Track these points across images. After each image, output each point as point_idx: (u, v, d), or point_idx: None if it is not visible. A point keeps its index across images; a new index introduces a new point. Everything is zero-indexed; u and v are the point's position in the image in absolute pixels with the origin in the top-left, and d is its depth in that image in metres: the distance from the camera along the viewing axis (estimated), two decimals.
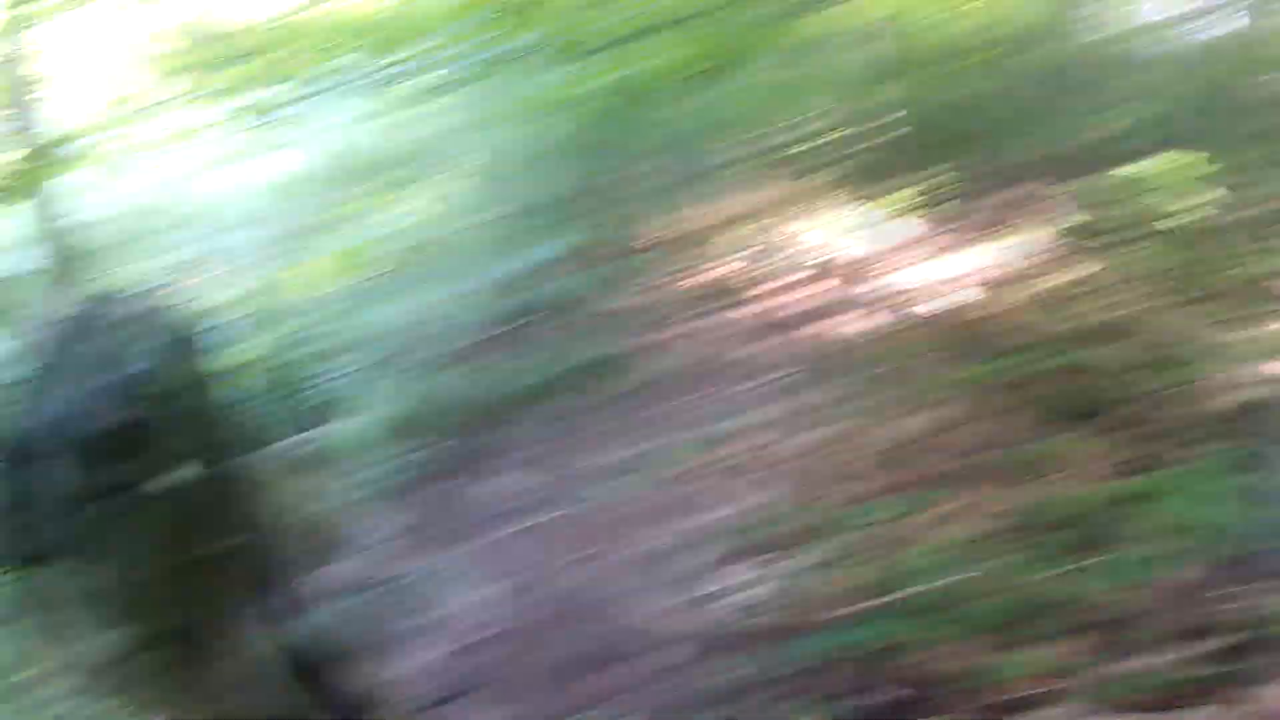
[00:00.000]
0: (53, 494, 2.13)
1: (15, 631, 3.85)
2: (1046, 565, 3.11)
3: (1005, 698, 2.72)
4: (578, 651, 3.64)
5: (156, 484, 2.17)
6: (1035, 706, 2.65)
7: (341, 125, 5.94)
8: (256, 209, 5.95)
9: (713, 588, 3.67)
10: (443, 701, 3.65)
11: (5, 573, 2.30)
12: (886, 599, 3.12)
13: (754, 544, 3.76)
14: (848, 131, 5.85)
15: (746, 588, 3.60)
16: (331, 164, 5.45)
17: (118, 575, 2.16)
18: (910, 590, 3.09)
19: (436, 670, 3.84)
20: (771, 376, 4.65)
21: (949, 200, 5.65)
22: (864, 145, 5.85)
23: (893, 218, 5.56)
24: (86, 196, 5.84)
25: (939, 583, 3.08)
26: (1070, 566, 3.07)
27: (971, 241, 5.55)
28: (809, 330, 4.99)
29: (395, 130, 5.40)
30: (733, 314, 5.11)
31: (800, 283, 5.28)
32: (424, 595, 4.35)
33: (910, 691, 2.87)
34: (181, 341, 2.42)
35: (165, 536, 2.18)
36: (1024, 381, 4.31)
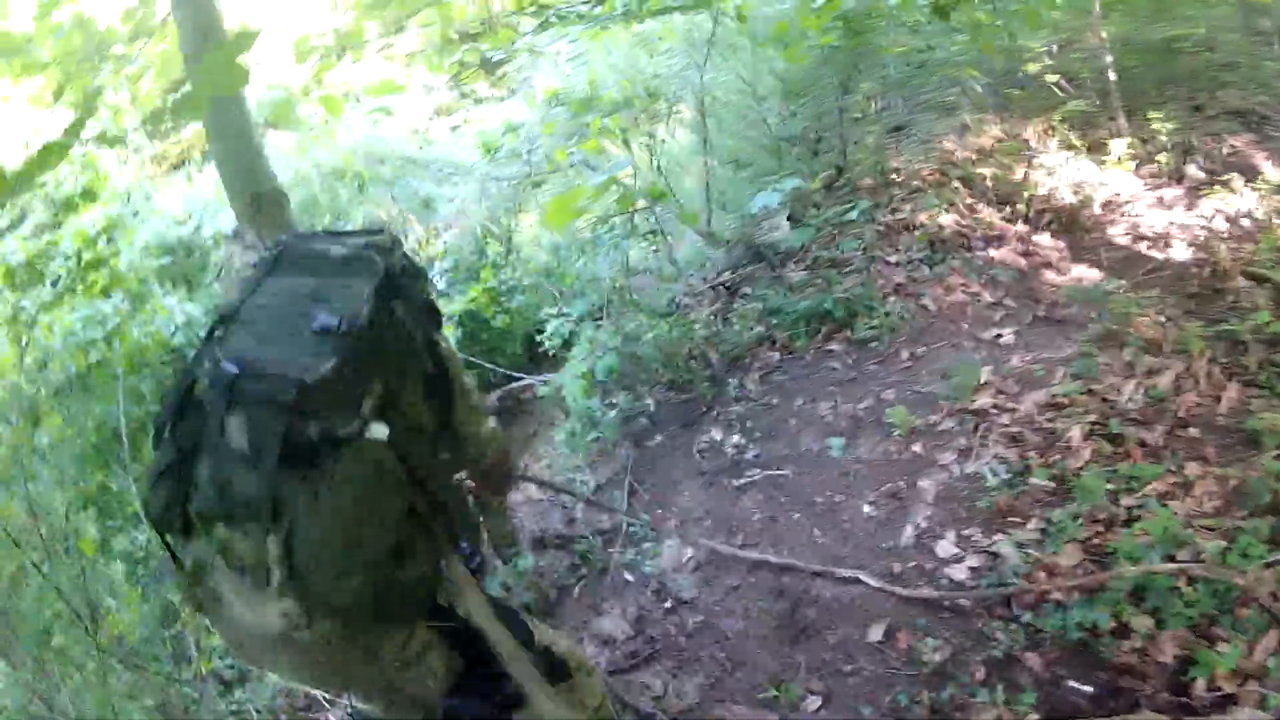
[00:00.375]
0: (246, 447, 2.01)
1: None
2: (1266, 551, 3.04)
3: (1213, 694, 2.66)
4: (781, 619, 3.73)
5: (363, 434, 2.10)
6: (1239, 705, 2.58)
7: (566, 65, 6.13)
8: (478, 155, 6.25)
9: (930, 555, 3.67)
10: (636, 665, 3.82)
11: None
12: (1107, 577, 3.02)
13: (978, 509, 3.72)
14: (1074, 73, 5.58)
15: (965, 557, 3.57)
16: (556, 106, 5.64)
17: (309, 535, 1.99)
18: (1131, 570, 2.98)
19: (632, 632, 4.02)
20: (1004, 328, 4.51)
21: (1174, 148, 5.30)
22: (1088, 88, 5.56)
23: (1116, 164, 5.26)
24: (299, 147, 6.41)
25: (1158, 563, 2.96)
26: None
27: (1195, 192, 5.19)
28: (1040, 279, 4.80)
29: (619, 69, 5.53)
30: (962, 261, 4.97)
31: (1029, 230, 5.07)
32: (628, 552, 4.53)
33: (1124, 679, 2.81)
34: (395, 286, 2.31)
35: (370, 490, 2.09)
36: (1252, 342, 4.15)
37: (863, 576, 3.69)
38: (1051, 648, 3.07)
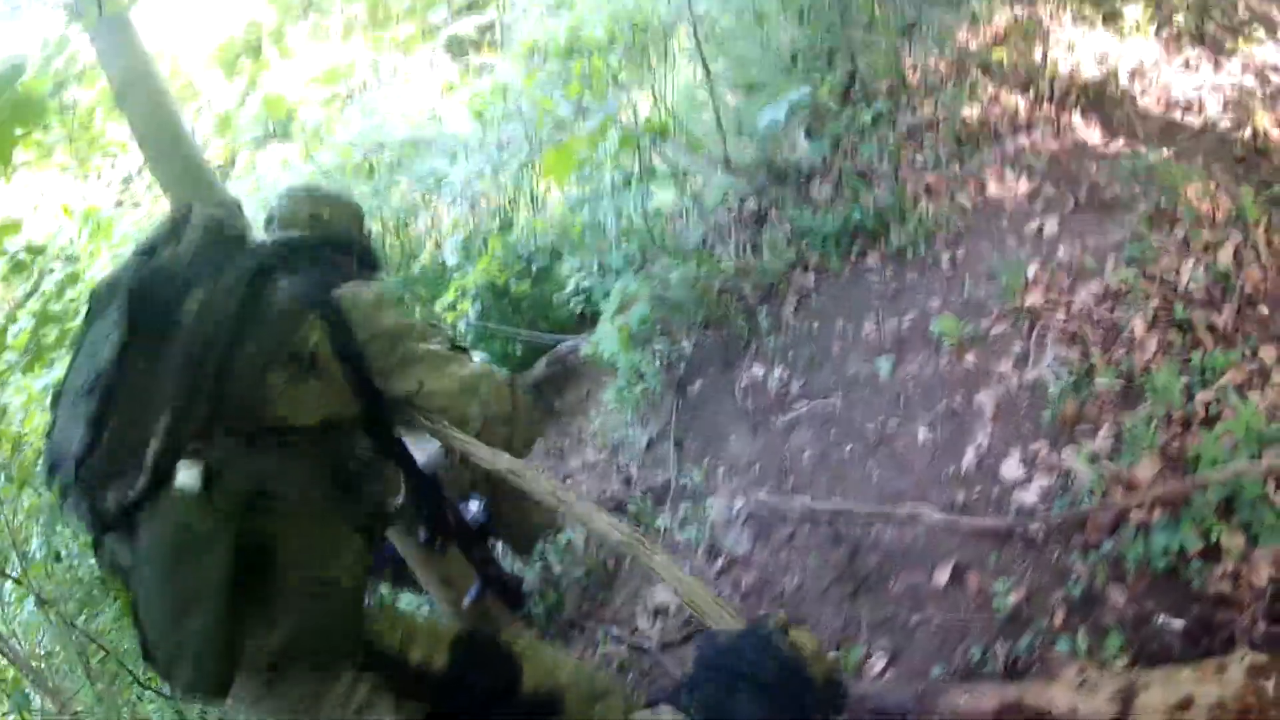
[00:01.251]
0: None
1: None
2: None
3: None
4: (840, 569, 3.32)
5: (158, 492, 1.91)
6: None
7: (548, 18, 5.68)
8: (481, 123, 5.84)
9: (995, 479, 3.20)
10: (689, 635, 3.49)
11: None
12: (1192, 490, 2.51)
13: (1042, 421, 3.23)
14: None
15: (1033, 477, 3.10)
16: (535, 57, 5.20)
17: (142, 601, 1.92)
18: (1217, 478, 2.47)
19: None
20: (1046, 218, 3.96)
21: (1190, 7, 4.67)
22: None
23: (1135, 31, 4.65)
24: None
25: (1245, 468, 2.44)
26: None
27: (1218, 50, 4.55)
28: (1076, 162, 4.21)
29: (605, 9, 5.04)
30: (992, 153, 4.40)
31: (1057, 111, 4.47)
32: (680, 510, 4.17)
33: (1218, 611, 2.31)
34: (180, 280, 2.06)
35: (181, 548, 1.87)
36: None
37: (924, 510, 3.23)
38: (1137, 579, 2.58)
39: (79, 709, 3.60)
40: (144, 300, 1.96)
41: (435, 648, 2.06)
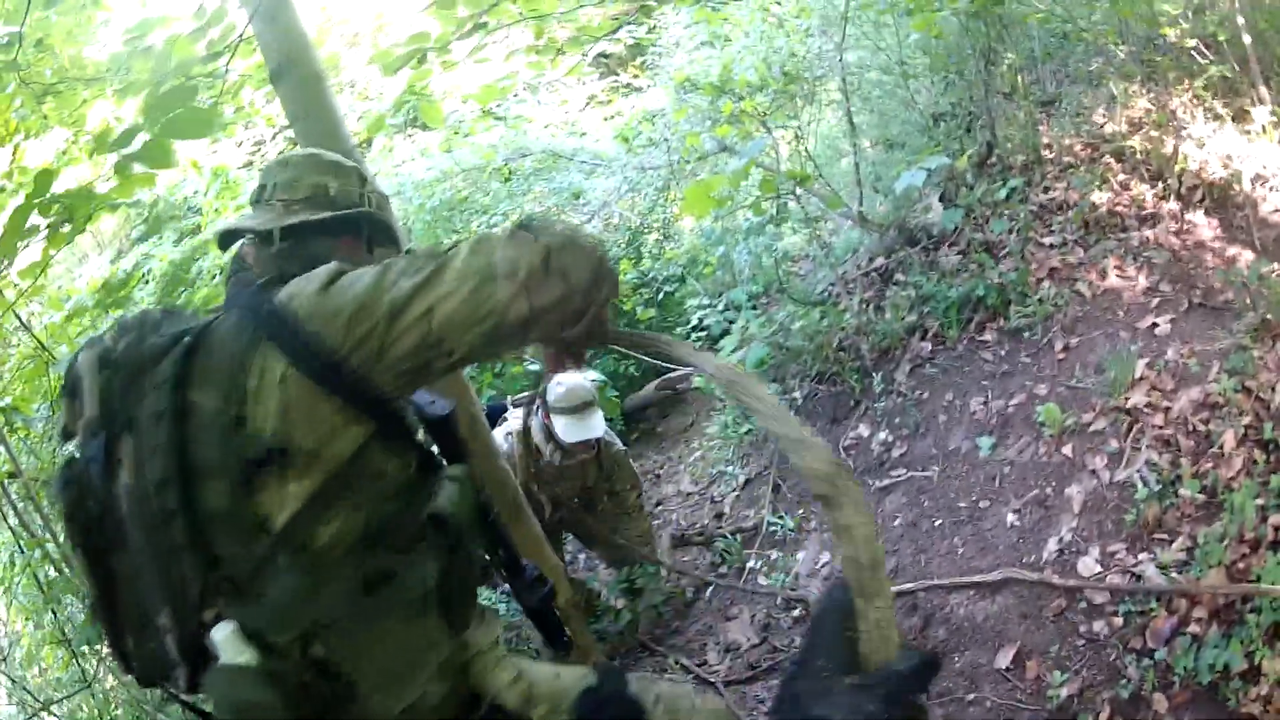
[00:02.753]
0: None
1: None
2: None
3: None
4: (911, 635, 3.63)
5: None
6: None
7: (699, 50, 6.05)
8: (621, 149, 6.25)
9: (1071, 572, 3.50)
10: (755, 675, 3.80)
11: None
12: (1244, 616, 2.82)
13: (1124, 523, 3.52)
14: (1210, 36, 5.13)
15: (1106, 577, 3.39)
16: (689, 91, 5.56)
17: None
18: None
19: (757, 640, 4.01)
20: (1160, 316, 4.22)
21: None
22: (1226, 53, 5.11)
23: (1262, 134, 4.82)
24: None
25: None
26: None
27: None
28: (1195, 262, 4.45)
29: (755, 51, 5.41)
30: (1117, 242, 4.66)
31: (1181, 207, 4.70)
32: (767, 554, 4.50)
33: None
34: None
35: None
36: None
37: (1011, 573, 3.56)
38: (1181, 690, 2.86)
39: None
40: (79, 501, 1.80)
41: (559, 707, 2.02)
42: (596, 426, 4.21)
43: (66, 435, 1.87)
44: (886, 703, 1.04)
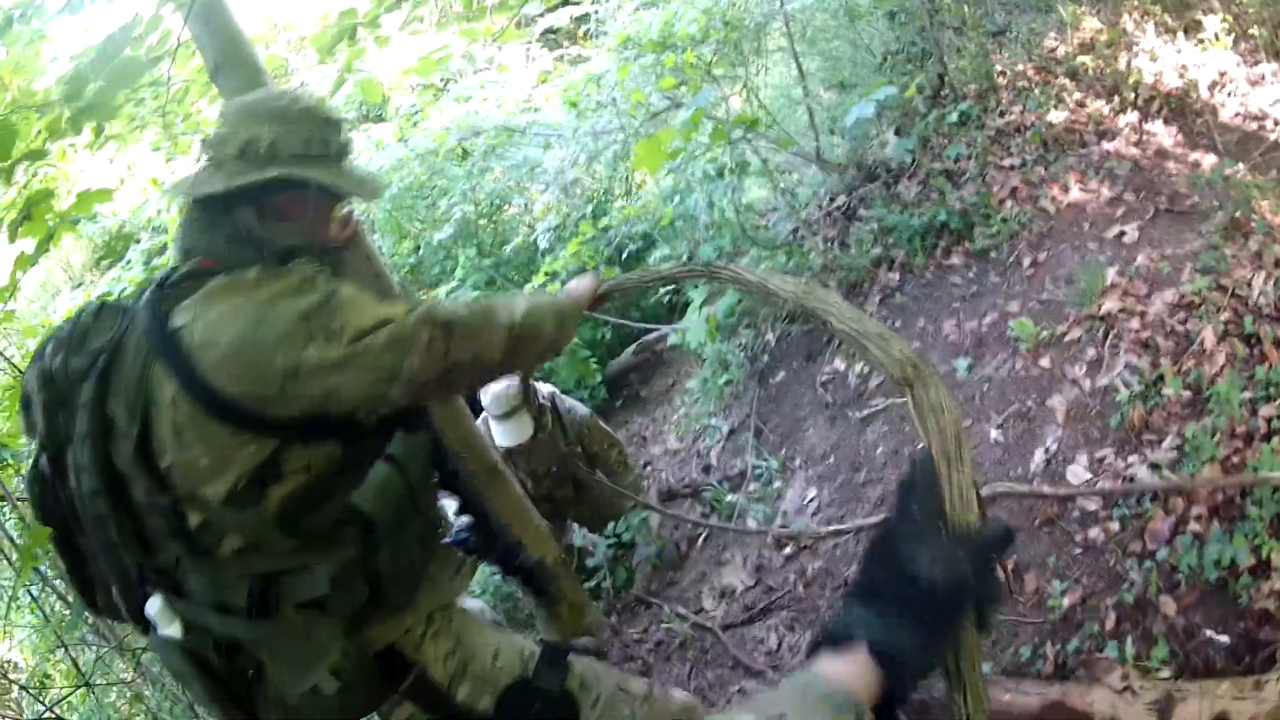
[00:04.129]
0: None
1: None
2: None
3: None
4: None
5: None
6: None
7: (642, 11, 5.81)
8: (576, 112, 6.01)
9: (1061, 482, 3.29)
10: (752, 618, 3.61)
11: None
12: (1245, 509, 2.60)
13: (1109, 428, 3.31)
14: None
15: (1098, 483, 3.19)
16: (629, 49, 5.32)
17: None
18: (1272, 498, 2.55)
19: (751, 582, 3.81)
20: (1127, 225, 4.00)
21: (1267, 21, 4.65)
22: None
23: (1215, 43, 4.65)
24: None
25: None
26: None
27: None
28: (1158, 170, 4.23)
29: (697, 5, 5.14)
30: (1077, 158, 4.44)
31: (1139, 119, 4.49)
32: (754, 497, 4.30)
33: (1262, 628, 2.40)
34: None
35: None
36: None
37: (999, 487, 3.32)
38: (1187, 590, 2.65)
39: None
40: (42, 505, 1.90)
41: (485, 689, 2.03)
42: (526, 428, 4.16)
43: (30, 435, 1.94)
44: (977, 561, 1.01)
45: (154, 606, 1.85)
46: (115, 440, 1.78)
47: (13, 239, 3.49)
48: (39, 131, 3.80)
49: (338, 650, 1.85)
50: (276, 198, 1.93)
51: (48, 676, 4.76)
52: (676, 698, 2.37)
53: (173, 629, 1.83)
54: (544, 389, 4.52)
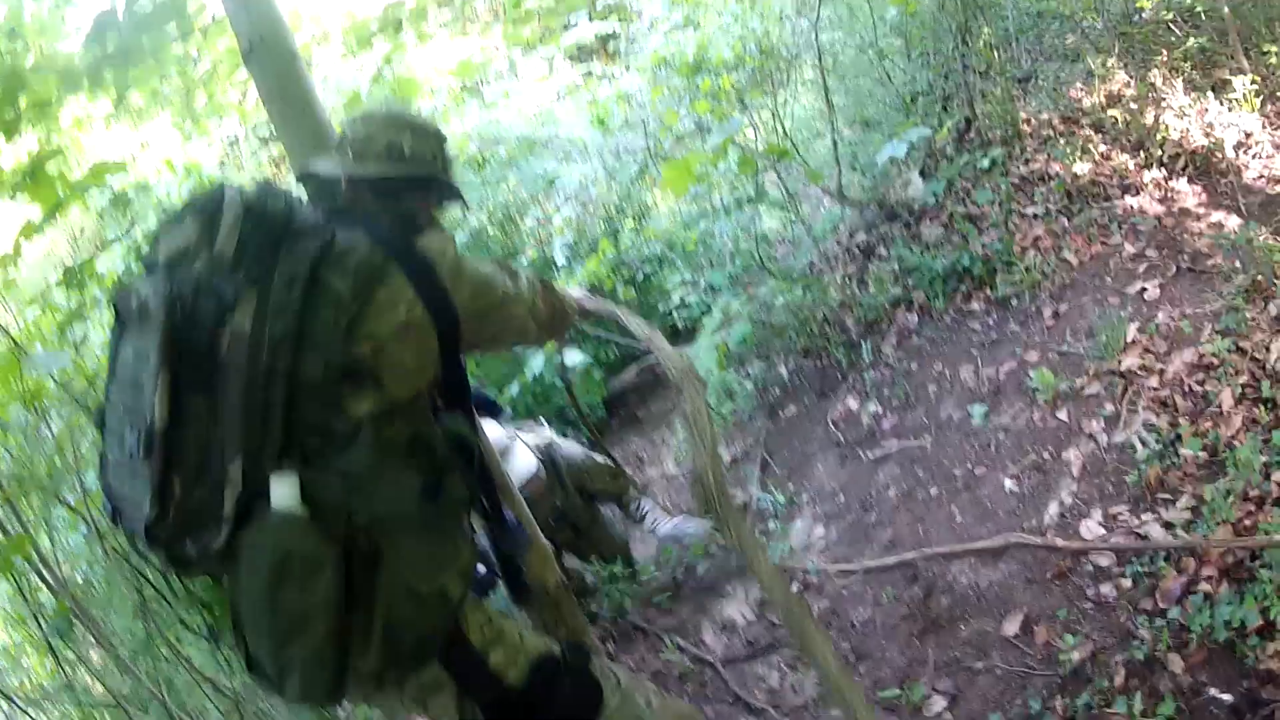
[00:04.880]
0: None
1: None
2: None
3: None
4: (913, 606, 3.53)
5: (247, 521, 1.84)
6: None
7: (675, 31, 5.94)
8: (597, 133, 6.13)
9: (1074, 536, 3.40)
10: (754, 654, 3.69)
11: None
12: (1255, 572, 2.72)
13: (1125, 484, 3.44)
14: (1188, 8, 5.15)
15: (1111, 539, 3.29)
16: (663, 70, 5.45)
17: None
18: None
19: (754, 617, 3.90)
20: (1148, 281, 4.14)
21: None
22: (1205, 25, 5.21)
23: (1243, 104, 4.81)
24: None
25: None
26: None
27: None
28: (1181, 228, 4.38)
29: (730, 32, 5.29)
30: (1101, 210, 4.58)
31: (1165, 176, 4.64)
32: (758, 529, 4.39)
33: (1265, 688, 2.51)
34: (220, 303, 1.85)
35: (280, 575, 1.83)
36: None
37: (1013, 538, 3.45)
38: (1196, 649, 2.76)
39: (120, 647, 3.73)
40: (185, 328, 1.79)
41: (515, 659, 2.14)
42: (524, 465, 4.18)
43: (150, 264, 1.94)
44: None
45: (281, 486, 1.80)
46: (320, 305, 1.87)
47: (12, 195, 3.53)
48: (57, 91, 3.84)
49: (468, 552, 2.07)
50: (419, 194, 2.35)
51: None
52: (682, 704, 2.53)
53: (298, 507, 1.79)
54: (539, 439, 4.47)
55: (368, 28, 3.69)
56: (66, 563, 3.73)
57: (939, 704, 3.09)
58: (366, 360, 1.91)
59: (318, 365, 1.85)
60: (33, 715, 3.76)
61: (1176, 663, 2.75)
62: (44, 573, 3.94)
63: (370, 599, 1.88)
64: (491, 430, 4.02)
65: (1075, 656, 2.97)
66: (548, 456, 4.40)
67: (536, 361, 5.41)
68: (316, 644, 1.81)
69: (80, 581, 3.83)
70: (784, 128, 5.27)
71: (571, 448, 4.56)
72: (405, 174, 2.27)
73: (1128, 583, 3.10)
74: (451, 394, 2.22)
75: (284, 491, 1.79)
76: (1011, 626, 3.22)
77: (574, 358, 4.71)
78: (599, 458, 4.57)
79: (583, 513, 4.34)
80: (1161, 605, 2.95)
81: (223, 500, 1.79)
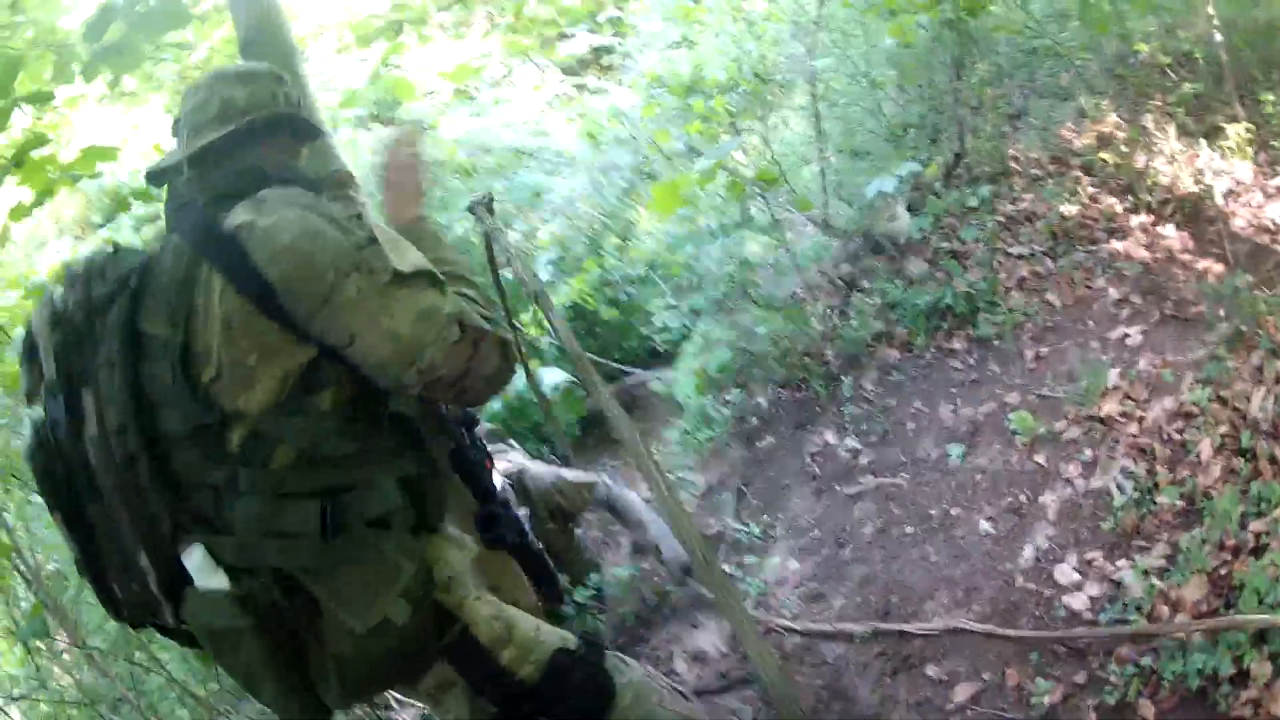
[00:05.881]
0: None
1: None
2: None
3: None
4: (886, 645, 3.60)
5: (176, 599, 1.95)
6: None
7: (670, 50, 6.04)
8: (587, 147, 6.22)
9: (1048, 581, 3.51)
10: (727, 686, 3.75)
11: None
12: (1232, 616, 2.83)
13: (1101, 531, 3.56)
14: (1185, 54, 5.41)
15: (1085, 585, 3.40)
16: (658, 89, 5.56)
17: None
18: (1256, 611, 2.78)
19: (726, 650, 3.96)
20: (1131, 327, 4.28)
21: None
22: (1201, 71, 5.40)
23: (1236, 151, 4.97)
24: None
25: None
26: None
27: None
28: (1166, 275, 4.53)
29: (726, 54, 5.41)
30: (1086, 253, 4.73)
31: (1152, 221, 4.79)
32: (732, 561, 4.46)
33: None
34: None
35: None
36: None
37: (964, 624, 3.50)
38: (1168, 695, 2.87)
39: (91, 638, 3.72)
40: (53, 461, 1.89)
41: (527, 657, 2.17)
42: None
43: (30, 399, 1.98)
44: None
45: (193, 559, 1.86)
46: (149, 362, 1.86)
47: (0, 180, 3.56)
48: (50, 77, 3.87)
49: (411, 568, 1.96)
50: (265, 140, 2.15)
51: None
52: (692, 706, 2.58)
53: (217, 579, 1.85)
54: (510, 466, 4.43)
55: (370, 25, 3.76)
56: (40, 553, 3.77)
57: None
58: (216, 392, 1.86)
59: (175, 420, 1.87)
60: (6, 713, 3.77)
61: (1148, 709, 2.85)
62: (19, 564, 3.96)
63: (321, 640, 1.93)
64: None
65: (1047, 701, 3.07)
66: (519, 483, 4.39)
67: (518, 379, 5.45)
68: (274, 691, 1.92)
69: (51, 571, 3.86)
70: (772, 153, 5.38)
71: (541, 470, 4.55)
72: (245, 126, 2.10)
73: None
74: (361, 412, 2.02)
75: (198, 563, 1.86)
76: (984, 670, 3.32)
77: (555, 377, 4.77)
78: (569, 475, 4.61)
79: (558, 538, 4.39)
80: (1135, 654, 3.06)
81: (151, 588, 1.90)
